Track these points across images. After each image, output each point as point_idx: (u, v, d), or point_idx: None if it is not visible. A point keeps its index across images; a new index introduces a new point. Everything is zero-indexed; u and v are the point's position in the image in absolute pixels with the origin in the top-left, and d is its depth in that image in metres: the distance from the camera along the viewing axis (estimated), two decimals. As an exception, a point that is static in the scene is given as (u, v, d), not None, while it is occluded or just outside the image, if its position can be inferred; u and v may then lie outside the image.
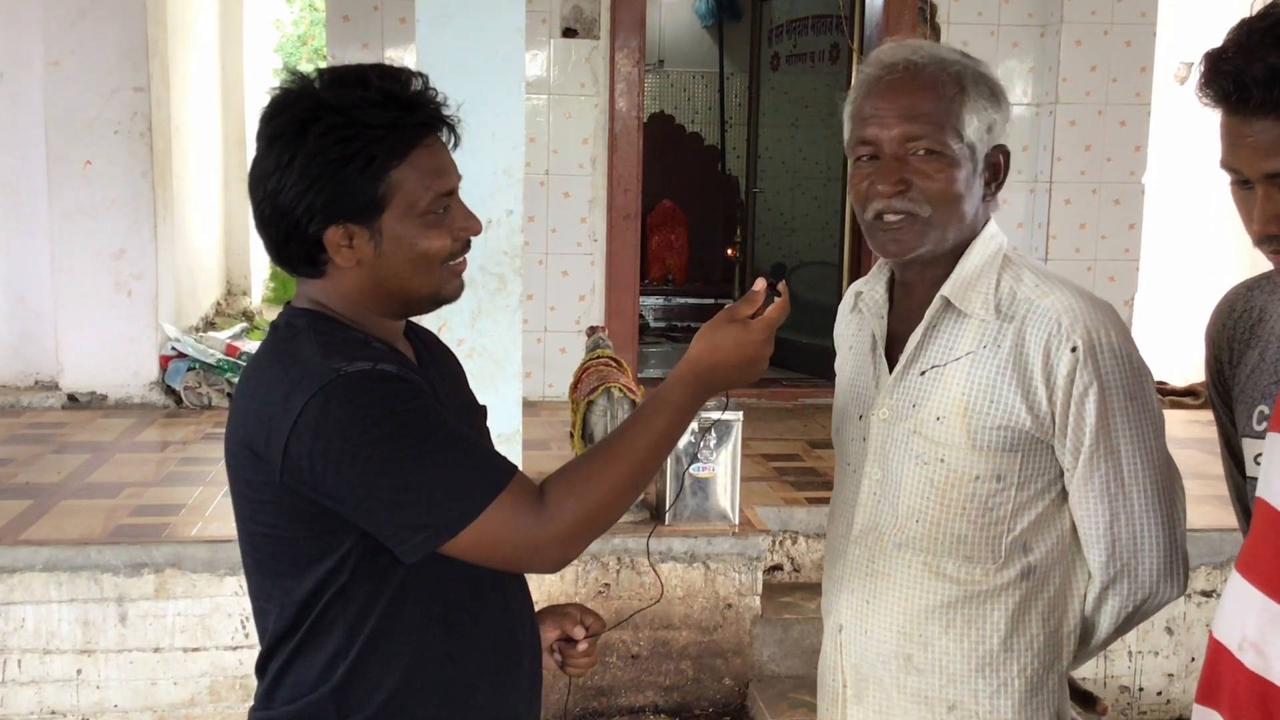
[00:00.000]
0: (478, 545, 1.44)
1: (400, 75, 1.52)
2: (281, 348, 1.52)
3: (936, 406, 1.62)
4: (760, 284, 1.57)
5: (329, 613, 1.51)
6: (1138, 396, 1.59)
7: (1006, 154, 1.67)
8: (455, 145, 1.58)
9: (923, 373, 1.65)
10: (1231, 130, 1.34)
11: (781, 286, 1.58)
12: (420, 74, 1.53)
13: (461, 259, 1.59)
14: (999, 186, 1.67)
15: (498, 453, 1.54)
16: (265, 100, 1.54)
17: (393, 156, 1.48)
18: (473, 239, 1.60)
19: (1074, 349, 1.56)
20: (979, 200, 1.64)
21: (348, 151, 1.46)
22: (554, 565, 1.50)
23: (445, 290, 1.58)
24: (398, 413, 1.43)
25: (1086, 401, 1.56)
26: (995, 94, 1.63)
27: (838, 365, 1.85)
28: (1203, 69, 1.33)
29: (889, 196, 1.59)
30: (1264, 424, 1.54)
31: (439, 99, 1.54)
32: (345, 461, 1.41)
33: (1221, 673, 1.30)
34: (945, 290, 1.63)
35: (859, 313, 1.79)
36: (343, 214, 1.48)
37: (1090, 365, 1.56)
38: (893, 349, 1.71)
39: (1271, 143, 1.29)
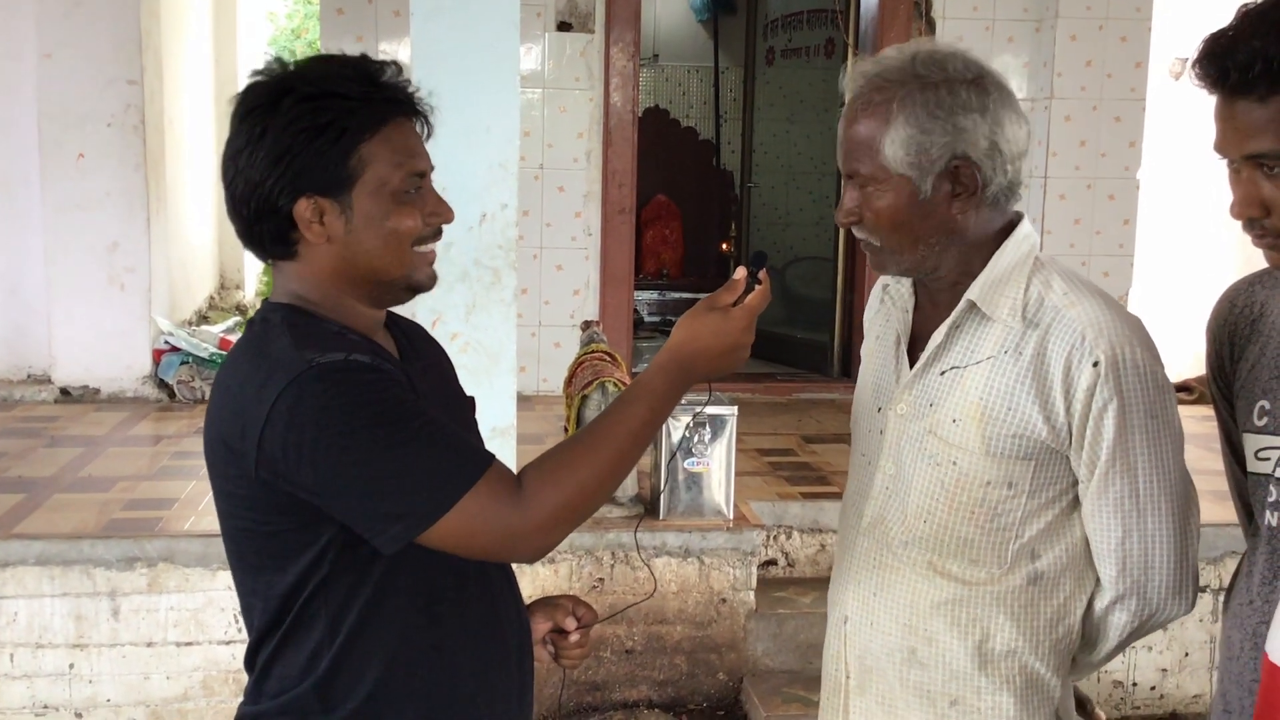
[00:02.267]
0: (456, 534, 1.43)
1: (372, 60, 1.53)
2: (255, 342, 1.51)
3: (954, 408, 1.61)
4: (741, 272, 1.56)
5: (311, 605, 1.50)
6: (1158, 414, 1.56)
7: (971, 163, 1.54)
8: (428, 136, 1.58)
9: (942, 373, 1.63)
10: (1217, 112, 1.35)
11: (762, 274, 1.57)
12: (394, 63, 1.55)
13: (431, 248, 1.58)
14: (968, 198, 1.56)
15: (475, 443, 1.52)
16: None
17: (364, 130, 1.48)
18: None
19: (1096, 364, 1.53)
20: (948, 215, 1.57)
21: (320, 121, 1.46)
22: (534, 554, 1.48)
23: (416, 275, 1.56)
24: (371, 403, 1.42)
25: (1105, 417, 1.54)
26: (939, 107, 1.52)
27: (863, 352, 1.84)
28: (1197, 49, 1.34)
29: (845, 228, 1.62)
30: (1265, 419, 1.54)
31: (411, 88, 1.54)
32: (319, 452, 1.39)
33: None
34: (972, 294, 1.61)
35: (886, 305, 1.77)
36: (313, 186, 1.48)
37: (1112, 381, 1.53)
38: (916, 344, 1.70)
39: (1251, 125, 1.31)
